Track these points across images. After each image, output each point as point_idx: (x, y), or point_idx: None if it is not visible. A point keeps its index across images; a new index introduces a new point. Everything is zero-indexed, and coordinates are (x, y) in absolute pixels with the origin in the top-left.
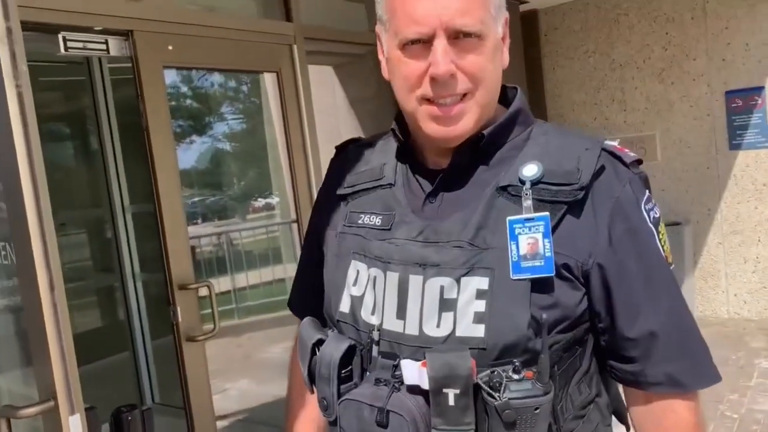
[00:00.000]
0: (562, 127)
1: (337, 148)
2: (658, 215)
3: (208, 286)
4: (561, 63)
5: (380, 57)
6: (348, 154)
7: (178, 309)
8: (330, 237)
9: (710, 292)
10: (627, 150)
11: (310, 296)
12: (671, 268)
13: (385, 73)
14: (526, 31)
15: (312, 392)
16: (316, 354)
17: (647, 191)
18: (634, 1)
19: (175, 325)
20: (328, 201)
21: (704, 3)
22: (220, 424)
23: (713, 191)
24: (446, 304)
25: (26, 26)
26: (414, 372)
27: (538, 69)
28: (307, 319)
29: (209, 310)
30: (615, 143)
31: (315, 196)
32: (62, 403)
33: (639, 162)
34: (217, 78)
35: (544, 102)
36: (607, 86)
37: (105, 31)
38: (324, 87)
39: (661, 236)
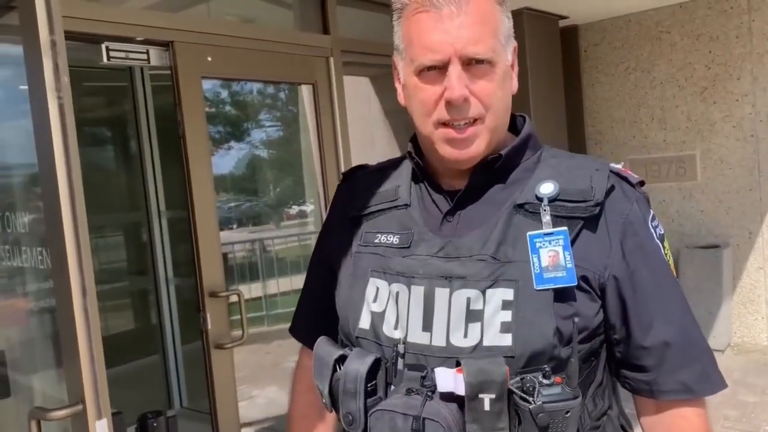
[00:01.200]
0: (567, 152)
1: (344, 174)
2: (662, 232)
3: (238, 295)
4: (600, 79)
5: (396, 84)
6: (356, 179)
7: (208, 316)
8: (344, 258)
9: (749, 318)
10: (631, 172)
11: (317, 320)
12: (677, 280)
13: (400, 99)
14: (566, 47)
15: (330, 410)
16: (337, 371)
17: (651, 210)
18: (677, 19)
19: (204, 332)
20: (338, 224)
21: (750, 22)
22: (245, 431)
23: (755, 214)
24: (473, 315)
25: (71, 36)
26: (449, 379)
27: (577, 85)
28: (322, 338)
29: (239, 316)
30: (620, 166)
31: (329, 206)
32: (90, 408)
33: (642, 183)
34: (255, 85)
35: (583, 118)
36: (647, 104)
37: (146, 42)
38: (360, 98)
39: (666, 251)
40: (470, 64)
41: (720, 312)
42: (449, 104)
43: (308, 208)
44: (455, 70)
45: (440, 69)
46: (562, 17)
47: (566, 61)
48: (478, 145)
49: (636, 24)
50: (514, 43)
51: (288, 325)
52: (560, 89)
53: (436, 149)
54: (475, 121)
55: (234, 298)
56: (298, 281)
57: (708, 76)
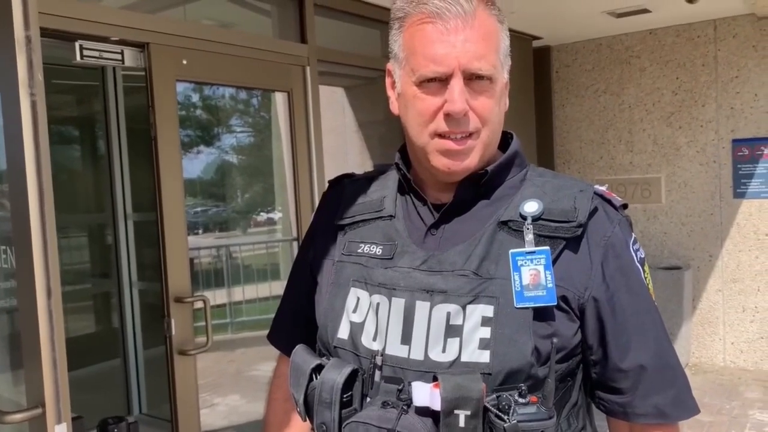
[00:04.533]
0: (552, 171)
1: (330, 182)
2: (643, 255)
3: (204, 301)
4: (571, 100)
5: (389, 92)
6: (343, 187)
7: (173, 321)
8: (326, 266)
9: (707, 339)
10: (614, 195)
11: (296, 328)
12: (656, 304)
13: (393, 108)
14: (538, 67)
15: (304, 419)
16: (313, 380)
17: (633, 233)
18: (647, 45)
19: (168, 338)
20: (323, 231)
21: (716, 51)
22: None
23: (715, 238)
24: (452, 330)
25: (44, 33)
26: (425, 393)
27: (547, 105)
28: (300, 346)
29: (203, 323)
30: (604, 188)
31: (314, 213)
32: (50, 412)
33: (625, 206)
34: (228, 90)
35: (552, 138)
36: (615, 126)
37: (121, 42)
38: (334, 108)
39: (646, 275)
40: (472, 79)
41: (680, 332)
42: (449, 117)
43: (276, 215)
44: (458, 83)
45: (442, 81)
46: (536, 38)
47: (538, 81)
48: (472, 159)
49: (607, 48)
50: (509, 62)
51: (253, 333)
52: (531, 108)
53: (430, 160)
54: (471, 134)
55: (199, 304)
56: (264, 289)
57: (674, 101)
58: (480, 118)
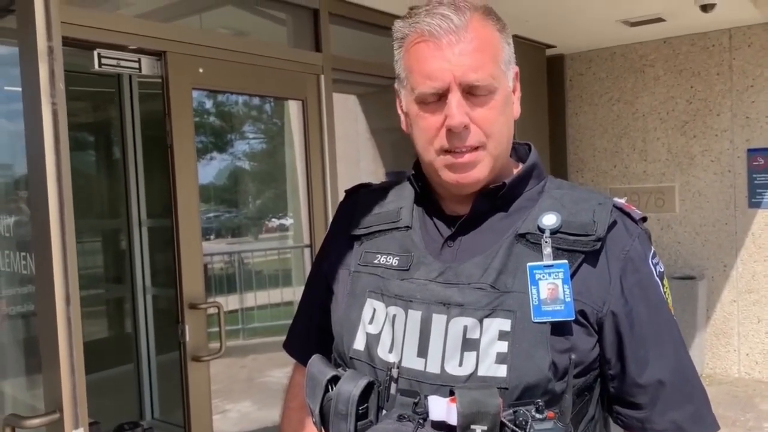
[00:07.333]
0: (570, 182)
1: (347, 191)
2: (662, 269)
3: (218, 307)
4: (584, 109)
5: (399, 112)
6: (359, 197)
7: (187, 328)
8: (342, 276)
9: (721, 350)
10: (634, 207)
11: (311, 337)
12: (675, 319)
13: (404, 126)
14: (552, 76)
15: (320, 431)
16: (329, 391)
17: (652, 247)
18: (661, 53)
19: (182, 344)
20: (339, 241)
21: (731, 60)
22: None
23: (730, 248)
24: (469, 344)
25: (64, 42)
26: (442, 408)
27: (561, 113)
28: (316, 356)
29: (215, 329)
30: (623, 201)
31: (330, 223)
32: (67, 417)
33: (644, 219)
34: (241, 97)
35: (565, 146)
36: (629, 135)
37: (139, 51)
38: (347, 115)
39: (665, 289)
40: (470, 91)
41: (693, 343)
42: (450, 132)
43: (288, 222)
44: (455, 97)
45: (441, 97)
46: (549, 46)
47: (551, 89)
48: (480, 170)
49: (621, 56)
50: (515, 68)
51: (265, 339)
52: (545, 117)
53: (440, 175)
54: (476, 148)
55: (212, 310)
56: (276, 295)
57: (689, 110)
58: (483, 130)
